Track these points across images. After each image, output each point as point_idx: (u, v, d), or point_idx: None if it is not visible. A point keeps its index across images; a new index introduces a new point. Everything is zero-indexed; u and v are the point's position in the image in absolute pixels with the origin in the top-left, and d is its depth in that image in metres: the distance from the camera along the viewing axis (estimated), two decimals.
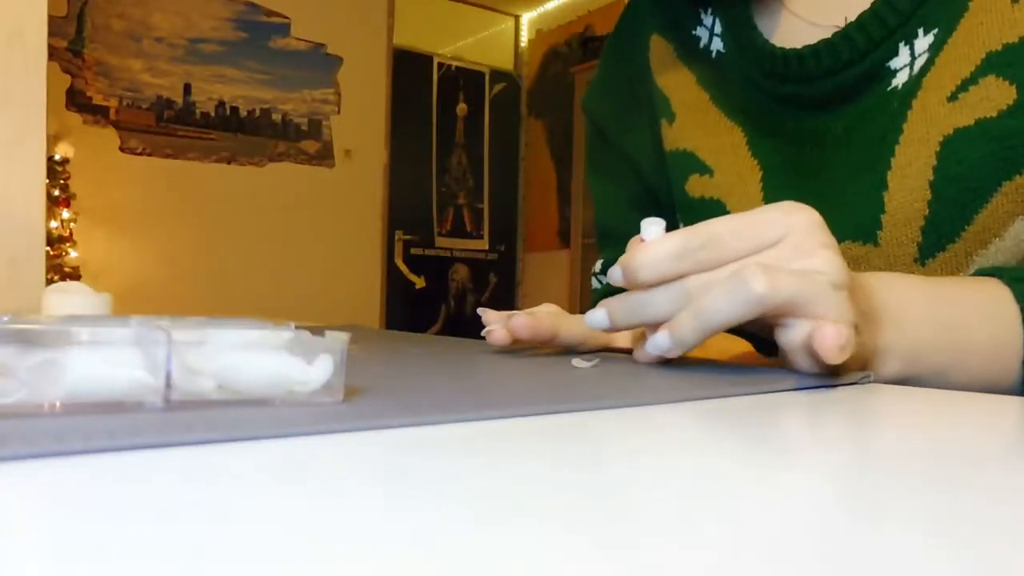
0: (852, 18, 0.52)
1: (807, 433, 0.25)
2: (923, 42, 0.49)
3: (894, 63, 0.51)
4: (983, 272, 0.44)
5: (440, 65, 3.97)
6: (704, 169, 0.60)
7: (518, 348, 0.51)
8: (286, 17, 3.41)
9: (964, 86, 0.47)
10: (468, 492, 0.15)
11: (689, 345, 0.36)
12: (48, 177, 2.47)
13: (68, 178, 2.64)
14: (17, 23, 0.55)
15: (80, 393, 0.21)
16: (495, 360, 0.43)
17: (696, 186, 0.61)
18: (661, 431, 0.23)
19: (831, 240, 0.36)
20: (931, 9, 0.49)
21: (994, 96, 0.46)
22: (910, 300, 0.40)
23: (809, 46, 0.53)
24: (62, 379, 0.21)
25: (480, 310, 0.50)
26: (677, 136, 0.63)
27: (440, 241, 3.94)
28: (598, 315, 0.40)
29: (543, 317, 0.47)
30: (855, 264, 0.51)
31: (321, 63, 3.51)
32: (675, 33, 0.66)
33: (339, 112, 3.56)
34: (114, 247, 3.02)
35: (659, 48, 0.67)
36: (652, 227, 0.38)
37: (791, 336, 0.35)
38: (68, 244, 2.60)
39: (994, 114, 0.46)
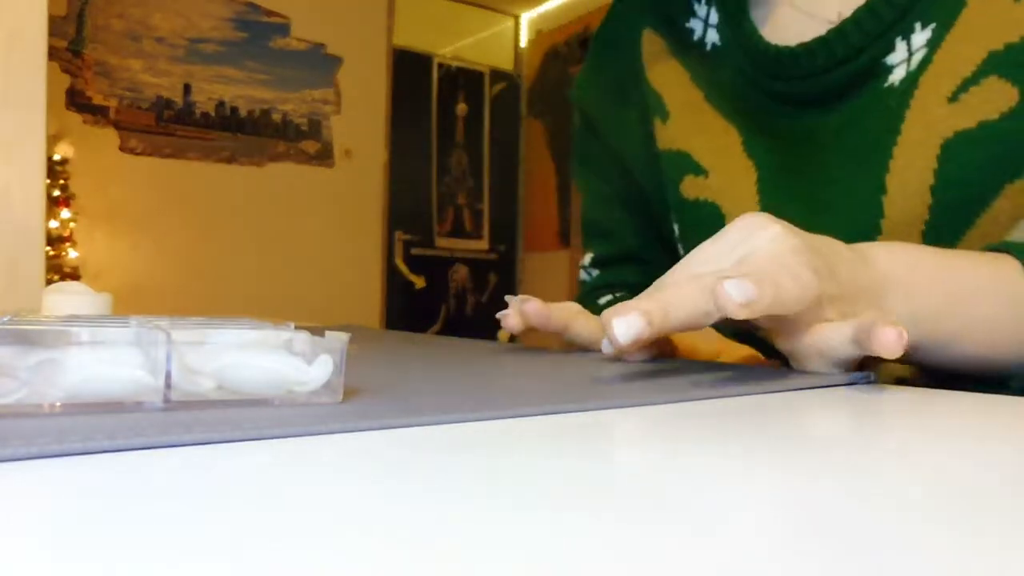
0: (848, 11, 0.51)
1: (807, 433, 0.25)
2: (920, 37, 0.48)
3: (890, 59, 0.50)
4: (992, 248, 0.44)
5: (440, 65, 3.96)
6: (699, 170, 0.59)
7: (524, 347, 0.51)
8: (286, 17, 3.41)
9: (964, 86, 0.46)
10: (468, 492, 0.15)
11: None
12: (48, 177, 2.47)
13: (68, 178, 2.64)
14: (17, 23, 0.56)
15: (80, 393, 0.21)
16: (495, 360, 0.43)
17: (691, 187, 0.60)
18: (662, 431, 0.23)
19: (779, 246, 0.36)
20: (928, 3, 0.48)
21: (995, 98, 0.45)
22: (919, 268, 0.40)
23: (803, 44, 0.52)
24: (62, 379, 0.21)
25: (507, 297, 0.49)
26: (671, 135, 0.62)
27: (440, 241, 3.94)
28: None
29: (556, 308, 0.47)
30: None
31: (321, 63, 3.51)
32: (668, 27, 0.64)
33: (339, 112, 3.56)
34: (114, 247, 3.01)
35: (651, 43, 0.65)
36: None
37: (800, 341, 0.36)
38: (68, 244, 2.60)
39: (996, 116, 0.45)
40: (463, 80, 4.04)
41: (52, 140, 2.61)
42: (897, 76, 0.49)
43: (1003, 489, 0.17)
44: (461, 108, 4.04)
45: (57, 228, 2.55)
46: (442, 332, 3.86)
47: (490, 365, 0.40)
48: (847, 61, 0.51)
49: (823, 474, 0.18)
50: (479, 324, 3.95)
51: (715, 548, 0.12)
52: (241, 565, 0.11)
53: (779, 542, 0.13)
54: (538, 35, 4.13)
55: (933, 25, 0.48)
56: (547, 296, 0.49)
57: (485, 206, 4.11)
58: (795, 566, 0.12)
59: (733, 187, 0.57)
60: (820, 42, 0.51)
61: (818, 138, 0.53)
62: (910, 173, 0.47)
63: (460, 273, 4.00)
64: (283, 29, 3.42)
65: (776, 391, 0.33)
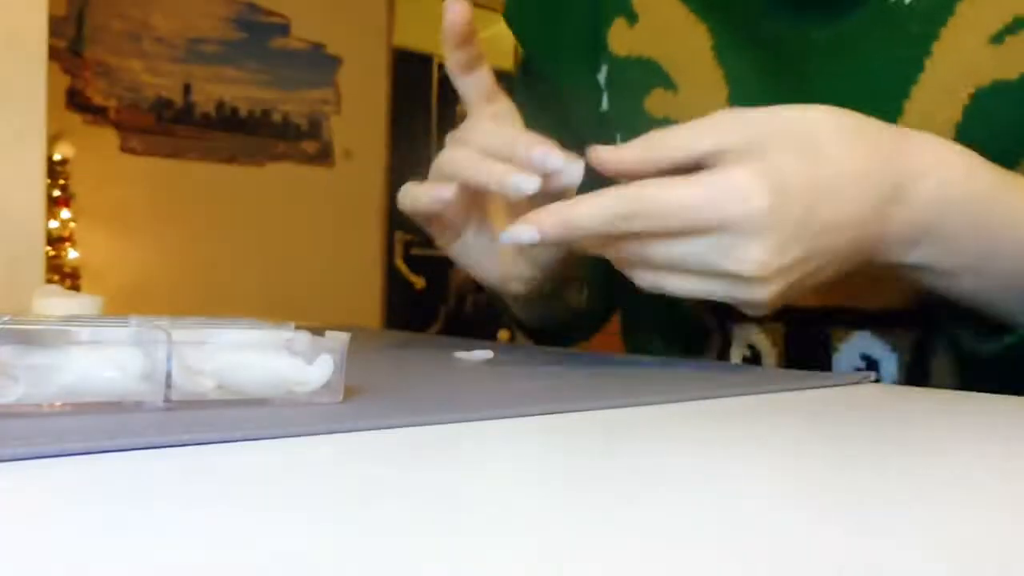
0: None
1: (808, 433, 0.25)
2: None
3: None
4: None
5: (440, 65, 3.96)
6: (668, 83, 0.50)
7: (525, 347, 0.51)
8: (286, 17, 3.41)
9: (1014, 28, 0.38)
10: (468, 491, 0.15)
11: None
12: (48, 177, 2.46)
13: (68, 178, 2.64)
14: (17, 23, 0.55)
15: (80, 393, 0.21)
16: (495, 360, 0.43)
17: (658, 103, 0.50)
18: (662, 431, 0.23)
19: (777, 220, 0.32)
20: None
21: None
22: (961, 214, 0.35)
23: None
24: (62, 379, 0.21)
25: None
26: (638, 39, 0.52)
27: None
28: (523, 229, 0.35)
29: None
30: None
31: (321, 63, 3.51)
32: None
33: (339, 112, 3.56)
34: (114, 247, 3.01)
35: None
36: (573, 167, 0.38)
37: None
38: (68, 244, 2.60)
39: None
40: None
41: (52, 140, 2.60)
42: None
43: (1003, 488, 0.17)
44: (461, 108, 4.04)
45: (57, 228, 2.55)
46: (442, 332, 3.86)
47: (489, 365, 0.40)
48: None
49: (822, 473, 0.18)
50: (479, 324, 3.95)
51: (715, 548, 0.12)
52: (241, 564, 0.11)
53: (779, 541, 0.13)
54: None
55: None
56: None
57: None
58: (795, 565, 0.12)
59: (701, 102, 0.48)
60: None
61: (809, 51, 0.45)
62: (929, 121, 0.40)
63: (460, 273, 4.00)
64: (283, 29, 3.42)
65: (776, 391, 0.33)
